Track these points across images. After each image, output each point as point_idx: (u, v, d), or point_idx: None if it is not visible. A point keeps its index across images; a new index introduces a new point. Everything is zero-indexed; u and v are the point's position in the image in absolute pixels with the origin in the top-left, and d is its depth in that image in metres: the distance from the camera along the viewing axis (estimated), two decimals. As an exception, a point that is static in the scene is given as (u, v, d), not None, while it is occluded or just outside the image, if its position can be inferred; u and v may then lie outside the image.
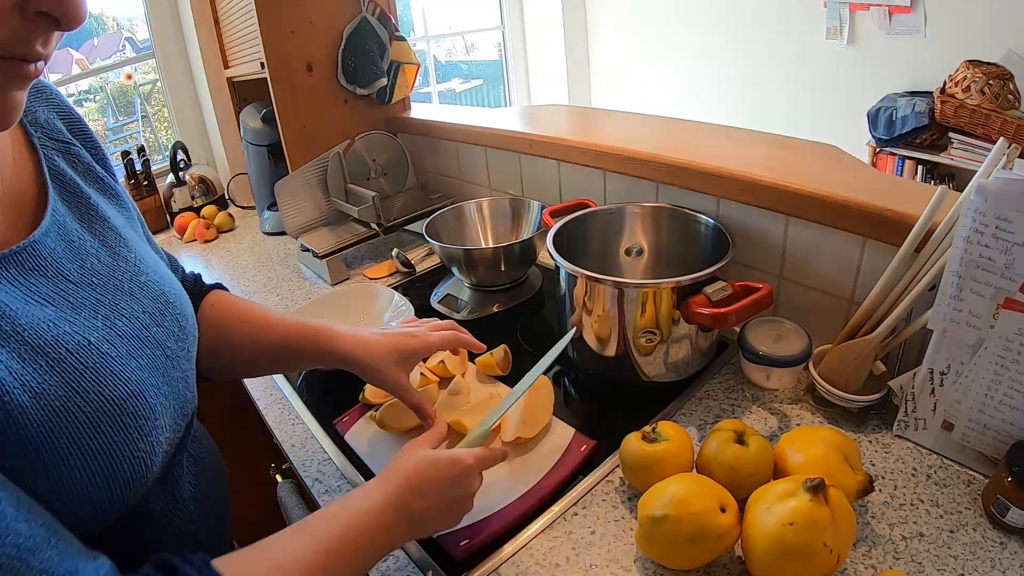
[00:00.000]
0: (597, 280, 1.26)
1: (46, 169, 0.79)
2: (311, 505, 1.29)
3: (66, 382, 0.65)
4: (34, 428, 0.60)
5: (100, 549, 0.63)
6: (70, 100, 0.93)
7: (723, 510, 0.92)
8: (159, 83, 3.27)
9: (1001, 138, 1.05)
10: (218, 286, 1.20)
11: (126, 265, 0.83)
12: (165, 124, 3.57)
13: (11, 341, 0.62)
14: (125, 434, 0.69)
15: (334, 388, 1.45)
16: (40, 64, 0.60)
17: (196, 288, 1.15)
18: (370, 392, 1.36)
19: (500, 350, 1.45)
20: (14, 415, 0.59)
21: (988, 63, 3.73)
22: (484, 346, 1.26)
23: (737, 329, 1.40)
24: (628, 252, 1.60)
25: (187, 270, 1.18)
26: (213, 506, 0.99)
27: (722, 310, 1.17)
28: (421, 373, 1.41)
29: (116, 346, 0.73)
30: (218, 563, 0.66)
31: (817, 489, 0.85)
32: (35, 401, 0.61)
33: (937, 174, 4.14)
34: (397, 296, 1.74)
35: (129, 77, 3.40)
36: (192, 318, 0.94)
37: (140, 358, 0.76)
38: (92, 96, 3.53)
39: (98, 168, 0.90)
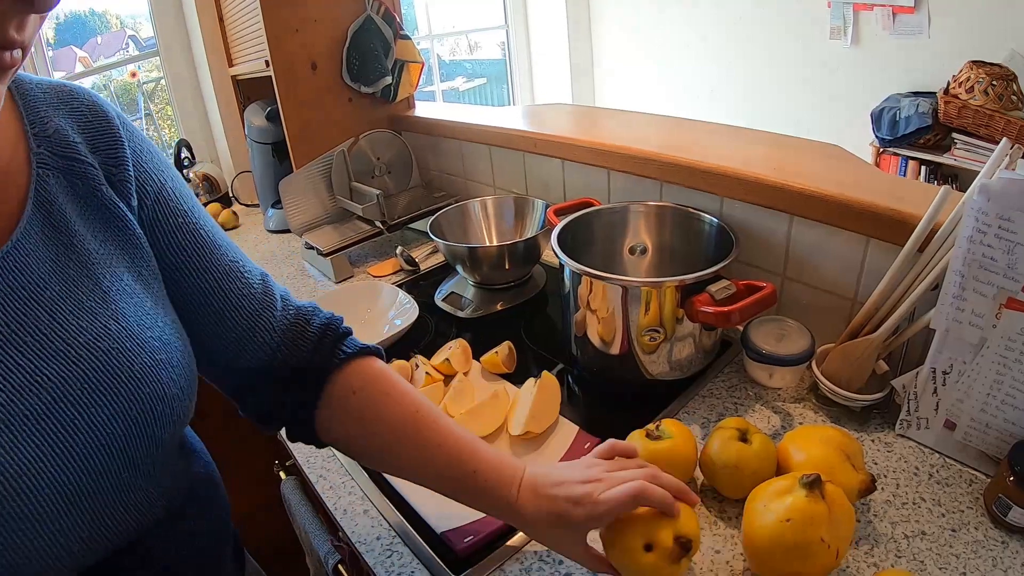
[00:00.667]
0: (601, 278, 1.26)
1: (32, 194, 0.68)
2: (316, 502, 1.30)
3: None
4: None
5: None
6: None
7: (648, 548, 0.85)
8: (163, 81, 3.28)
9: (1004, 138, 1.05)
10: (369, 350, 0.99)
11: (88, 323, 0.68)
12: (169, 122, 3.57)
13: None
14: None
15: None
16: (17, 53, 0.55)
17: (331, 340, 0.97)
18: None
19: (504, 347, 1.46)
20: None
21: (992, 64, 3.73)
22: (695, 498, 0.91)
23: (740, 328, 1.41)
24: (632, 251, 1.61)
25: (330, 316, 1.01)
26: (209, 534, 0.93)
27: (726, 309, 1.17)
28: (427, 372, 1.41)
29: (8, 429, 0.59)
30: None
31: (813, 485, 0.85)
32: None
33: (940, 175, 4.13)
34: (402, 294, 1.74)
35: (133, 75, 3.41)
36: (187, 380, 0.78)
37: (43, 444, 0.61)
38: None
39: (106, 193, 0.76)
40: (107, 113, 0.79)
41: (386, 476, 1.19)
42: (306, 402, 0.93)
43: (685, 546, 0.84)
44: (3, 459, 0.57)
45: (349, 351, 0.96)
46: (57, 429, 0.61)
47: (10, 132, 0.68)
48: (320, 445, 0.97)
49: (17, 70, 0.58)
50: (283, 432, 0.99)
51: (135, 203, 0.79)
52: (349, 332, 0.99)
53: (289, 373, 0.93)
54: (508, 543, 1.04)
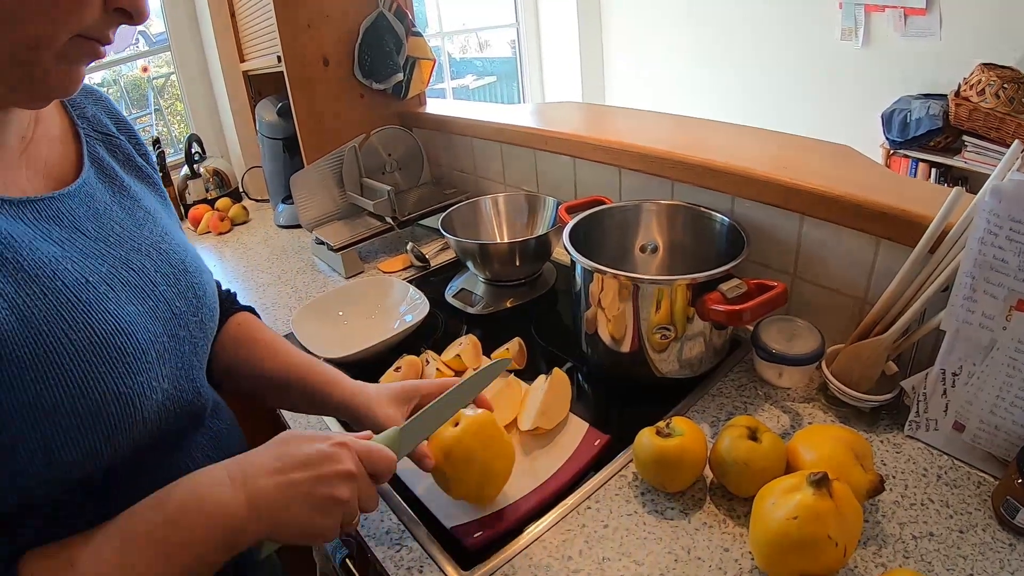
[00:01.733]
0: (613, 276, 1.26)
1: (86, 153, 0.89)
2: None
3: (56, 309, 0.69)
4: (19, 348, 0.64)
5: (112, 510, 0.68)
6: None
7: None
8: (173, 76, 3.28)
9: (1016, 141, 1.05)
10: (249, 309, 1.24)
11: (149, 234, 0.90)
12: (178, 118, 3.58)
13: (8, 266, 0.67)
14: (109, 368, 0.71)
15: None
16: (107, 48, 0.72)
17: (227, 303, 1.20)
18: (385, 383, 1.36)
19: (515, 343, 1.46)
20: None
21: (1003, 66, 3.72)
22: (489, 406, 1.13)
23: (750, 327, 1.41)
24: (643, 249, 1.61)
25: (222, 286, 1.22)
26: None
27: (737, 307, 1.18)
28: (437, 368, 1.42)
29: (115, 290, 0.78)
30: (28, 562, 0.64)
31: (820, 483, 0.86)
32: (21, 322, 0.65)
33: (951, 177, 4.12)
34: (412, 290, 1.74)
35: (145, 70, 3.41)
36: (213, 297, 1.00)
37: (139, 306, 0.80)
38: (106, 89, 3.53)
39: (138, 159, 0.99)
40: (118, 110, 1.02)
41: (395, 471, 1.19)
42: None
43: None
44: (119, 309, 0.76)
45: (236, 307, 1.22)
46: (145, 297, 0.82)
47: (58, 112, 0.90)
48: (219, 388, 1.13)
49: None
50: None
51: (156, 172, 1.04)
52: (236, 297, 1.26)
53: None
54: (517, 539, 1.05)
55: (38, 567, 0.64)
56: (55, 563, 0.66)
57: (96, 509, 0.71)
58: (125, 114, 1.03)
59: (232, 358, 1.13)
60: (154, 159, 1.05)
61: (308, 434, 0.85)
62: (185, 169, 2.89)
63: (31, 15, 0.64)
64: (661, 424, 1.10)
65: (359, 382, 1.13)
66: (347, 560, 1.21)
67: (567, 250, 1.36)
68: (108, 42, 0.72)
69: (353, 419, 1.09)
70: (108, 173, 0.91)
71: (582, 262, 1.31)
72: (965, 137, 3.91)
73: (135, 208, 0.91)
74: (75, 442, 0.69)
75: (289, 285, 2.10)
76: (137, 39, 3.45)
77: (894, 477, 1.10)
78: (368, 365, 1.49)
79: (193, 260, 0.97)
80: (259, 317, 1.24)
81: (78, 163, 0.87)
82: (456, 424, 1.04)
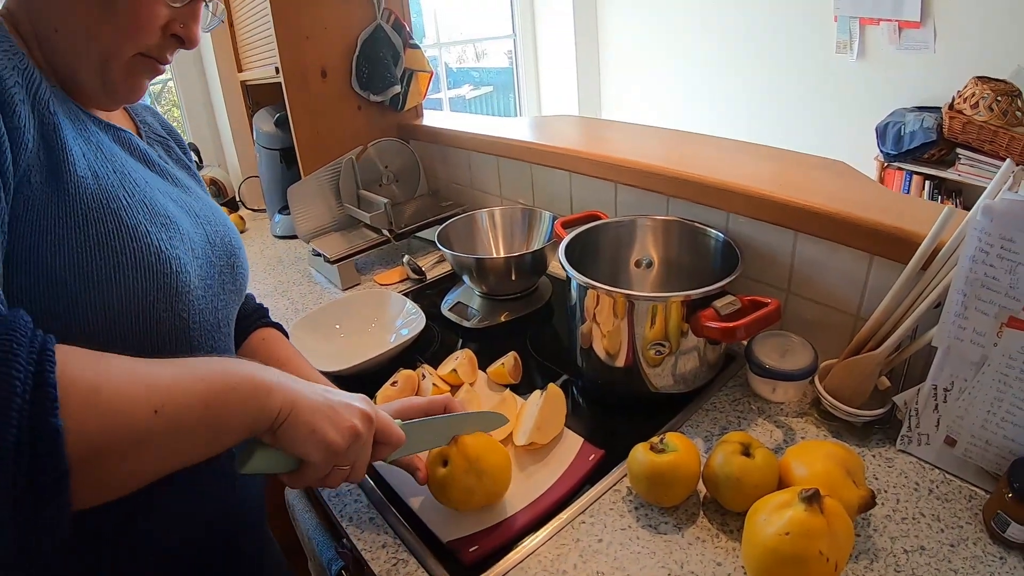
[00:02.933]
0: (608, 292, 1.27)
1: (146, 141, 1.05)
2: (320, 508, 1.31)
3: (119, 181, 0.85)
4: (91, 193, 0.80)
5: None
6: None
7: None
8: (170, 83, 3.29)
9: (1008, 159, 1.06)
10: (277, 325, 1.31)
11: (198, 197, 1.06)
12: (177, 125, 3.58)
13: (92, 146, 0.85)
14: (155, 230, 0.86)
15: (351, 387, 1.46)
16: (164, 67, 0.92)
17: (256, 316, 1.29)
18: (381, 397, 1.37)
19: (510, 358, 1.47)
20: (78, 178, 0.79)
21: (997, 80, 3.73)
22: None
23: (745, 342, 1.42)
24: (638, 264, 1.62)
25: (255, 299, 1.34)
26: None
27: (731, 324, 1.18)
28: (433, 383, 1.42)
29: (165, 197, 0.94)
30: (66, 358, 0.63)
31: (812, 499, 0.87)
32: (95, 178, 0.82)
33: (944, 190, 4.14)
34: (409, 303, 1.75)
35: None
36: (245, 263, 1.13)
37: (181, 214, 0.96)
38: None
39: (185, 159, 1.15)
40: (167, 121, 1.19)
41: (390, 484, 1.21)
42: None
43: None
44: (166, 205, 0.92)
45: (266, 322, 1.30)
46: (188, 214, 0.98)
47: (124, 114, 1.06)
48: None
49: None
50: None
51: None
52: (267, 312, 1.33)
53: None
54: (512, 553, 1.05)
55: (72, 353, 0.64)
56: (95, 357, 0.67)
57: None
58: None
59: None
60: (195, 168, 1.19)
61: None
62: (183, 178, 2.88)
63: (105, 33, 0.82)
64: (655, 439, 1.10)
65: None
66: (342, 572, 1.22)
67: (563, 266, 1.37)
68: (166, 62, 0.91)
69: None
70: (163, 157, 1.06)
71: (577, 278, 1.32)
72: (959, 150, 3.93)
73: (187, 191, 1.05)
74: (126, 289, 0.81)
75: (285, 296, 2.10)
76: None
77: (886, 491, 1.11)
78: (365, 379, 1.49)
79: (234, 232, 1.11)
80: (287, 335, 1.32)
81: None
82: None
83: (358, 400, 0.92)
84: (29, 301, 0.74)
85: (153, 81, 0.97)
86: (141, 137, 1.04)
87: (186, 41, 0.90)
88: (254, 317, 1.27)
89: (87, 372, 0.63)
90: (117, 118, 1.01)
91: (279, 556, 1.32)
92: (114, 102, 0.93)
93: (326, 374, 1.47)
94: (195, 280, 0.91)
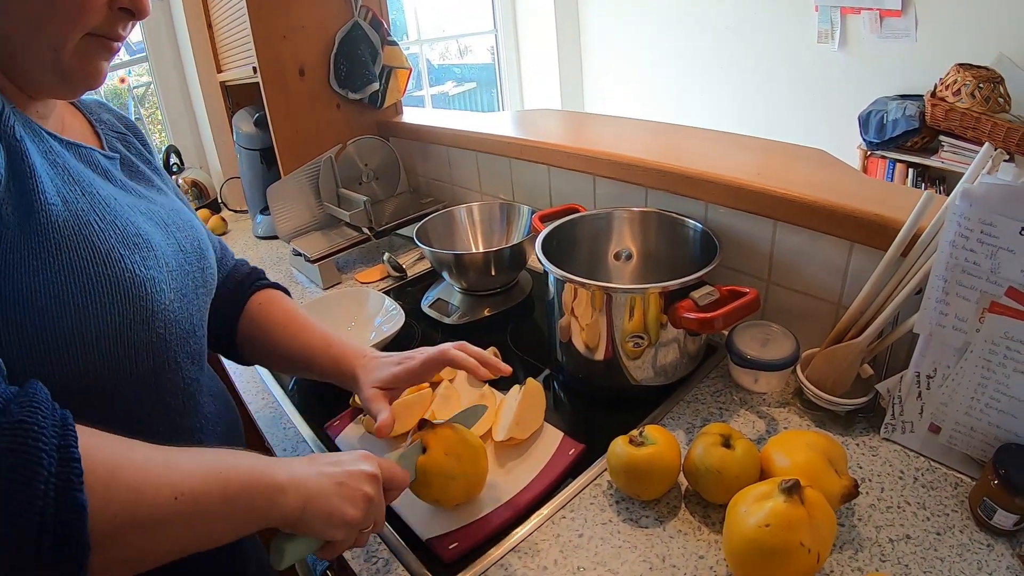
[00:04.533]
0: (585, 285, 1.26)
1: (106, 146, 1.02)
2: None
3: (90, 205, 0.83)
4: (61, 222, 0.77)
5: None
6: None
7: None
8: (152, 86, 3.27)
9: (987, 143, 1.05)
10: (275, 285, 1.34)
11: (164, 201, 1.04)
12: (159, 127, 3.56)
13: (59, 168, 0.82)
14: (128, 254, 0.84)
15: (325, 392, 1.44)
16: (119, 44, 0.86)
17: (250, 279, 1.31)
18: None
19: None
20: (48, 205, 0.76)
21: (979, 66, 3.73)
22: (508, 368, 1.20)
23: (725, 333, 1.41)
24: (617, 256, 1.61)
25: (248, 264, 1.36)
26: (229, 427, 1.12)
27: (709, 315, 1.17)
28: None
29: (135, 213, 0.91)
30: (86, 437, 0.64)
31: (792, 490, 0.86)
32: (64, 205, 0.78)
33: (928, 177, 4.14)
34: (388, 301, 1.74)
35: (123, 80, 3.39)
36: (213, 262, 1.11)
37: (153, 231, 0.93)
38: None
39: (146, 154, 1.12)
40: (126, 115, 1.15)
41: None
42: (229, 321, 1.25)
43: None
44: (138, 223, 0.89)
45: (263, 284, 1.31)
46: (160, 227, 0.96)
47: (80, 116, 1.03)
48: (240, 360, 1.30)
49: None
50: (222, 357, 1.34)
51: (162, 168, 1.16)
52: (265, 277, 1.34)
53: (220, 301, 1.20)
54: (492, 550, 1.04)
55: (91, 432, 0.65)
56: (113, 438, 0.68)
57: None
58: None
59: (251, 334, 1.25)
60: (159, 159, 1.19)
61: (333, 453, 0.96)
62: (163, 180, 2.87)
63: (47, 20, 0.78)
64: (635, 433, 1.09)
65: (360, 361, 1.20)
66: (327, 572, 1.21)
67: (539, 260, 1.36)
68: (119, 38, 0.85)
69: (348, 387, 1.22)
70: (125, 161, 1.03)
71: (554, 272, 1.31)
72: (942, 137, 3.93)
73: (151, 189, 1.04)
74: (103, 314, 0.79)
75: (266, 297, 2.08)
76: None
77: (870, 480, 1.10)
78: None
79: (200, 231, 1.09)
80: (287, 292, 1.35)
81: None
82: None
83: (361, 462, 0.91)
84: (3, 320, 0.73)
85: (136, 84, 0.98)
86: (102, 144, 1.02)
87: (135, 12, 0.84)
88: (248, 282, 1.29)
89: (106, 451, 0.65)
90: (75, 125, 1.00)
91: (262, 553, 1.30)
92: (72, 91, 0.88)
93: (306, 377, 1.47)
94: (170, 295, 0.91)
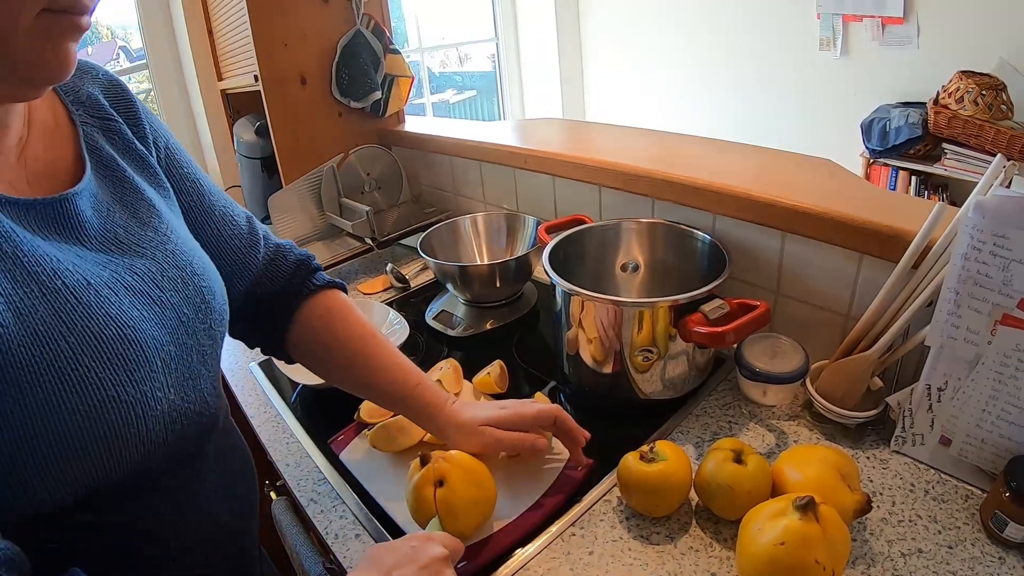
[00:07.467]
0: (593, 299, 1.25)
1: (84, 145, 0.84)
2: (306, 524, 1.28)
3: (54, 310, 0.67)
4: (15, 347, 0.62)
5: (113, 527, 0.67)
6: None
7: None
8: (152, 93, 3.27)
9: (999, 154, 1.05)
10: (333, 284, 1.21)
11: (154, 234, 0.86)
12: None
13: (7, 261, 0.65)
14: (111, 374, 0.69)
15: (328, 406, 1.44)
16: (86, 18, 0.67)
17: (301, 274, 1.18)
18: (365, 411, 1.34)
19: (496, 367, 1.45)
20: None
21: (981, 73, 3.74)
22: (587, 435, 1.17)
23: (734, 345, 1.40)
24: (624, 268, 1.60)
25: (304, 253, 1.21)
26: (239, 499, 1.02)
27: (719, 329, 1.17)
28: None
29: (118, 294, 0.75)
30: None
31: (807, 507, 0.85)
32: (18, 320, 0.63)
33: (931, 185, 4.14)
34: (392, 313, 1.73)
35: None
36: (222, 299, 0.94)
37: (144, 311, 0.77)
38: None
39: (138, 145, 0.93)
40: (120, 82, 0.96)
41: (377, 500, 1.19)
42: (279, 324, 1.15)
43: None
44: (121, 313, 0.73)
45: (317, 283, 1.18)
46: (150, 303, 0.78)
47: (50, 103, 0.84)
48: (290, 361, 1.19)
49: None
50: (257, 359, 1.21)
51: (153, 154, 0.96)
52: (319, 268, 1.21)
53: (267, 300, 1.14)
54: (501, 568, 1.03)
55: None
56: None
57: (107, 531, 0.70)
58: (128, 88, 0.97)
59: (312, 348, 1.16)
60: (152, 141, 0.98)
61: (392, 543, 0.87)
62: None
63: None
64: (645, 448, 1.08)
65: (456, 416, 1.14)
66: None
67: (547, 274, 1.35)
68: (84, 11, 0.66)
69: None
70: (109, 165, 0.87)
71: (562, 284, 1.30)
72: (945, 145, 3.93)
73: (139, 204, 0.87)
74: (78, 452, 0.66)
75: (269, 307, 2.07)
76: (118, 54, 3.42)
77: (881, 494, 1.09)
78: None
79: (201, 261, 0.92)
80: (344, 288, 1.23)
81: (78, 156, 0.84)
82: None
83: (429, 548, 0.86)
84: None
85: (136, 91, 0.88)
86: (74, 123, 0.85)
87: None
88: (300, 277, 1.17)
89: None
90: (41, 105, 0.82)
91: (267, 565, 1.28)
92: (30, 89, 0.70)
93: (310, 387, 1.46)
94: (169, 396, 0.78)
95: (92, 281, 0.72)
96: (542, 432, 1.15)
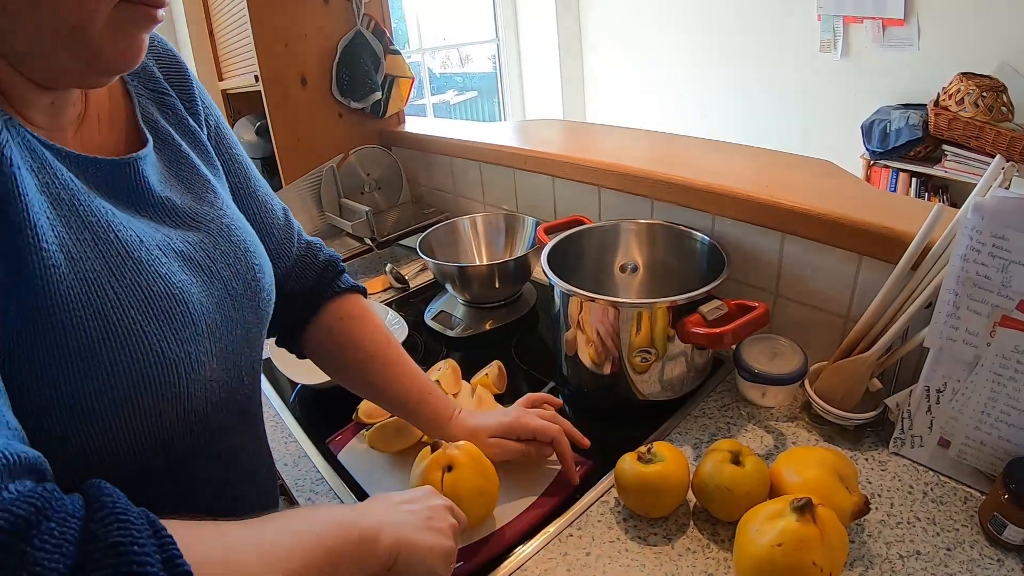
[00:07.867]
0: (592, 299, 1.25)
1: (140, 118, 0.84)
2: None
3: (105, 259, 0.67)
4: (64, 288, 0.62)
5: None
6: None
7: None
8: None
9: (998, 156, 1.05)
10: (354, 288, 1.20)
11: (210, 209, 0.87)
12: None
13: (64, 207, 0.65)
14: (156, 328, 0.69)
15: (327, 406, 1.44)
16: (162, 11, 0.68)
17: (327, 275, 1.17)
18: (363, 411, 1.34)
19: (495, 367, 1.45)
20: (48, 267, 0.61)
21: (981, 75, 3.74)
22: (586, 442, 1.21)
23: (733, 346, 1.40)
24: (623, 269, 1.60)
25: (332, 253, 1.21)
26: (262, 489, 1.03)
27: (718, 330, 1.17)
28: None
29: (168, 257, 0.75)
30: (182, 537, 0.55)
31: (804, 509, 0.85)
32: (70, 263, 0.63)
33: (931, 186, 4.14)
34: (392, 313, 1.72)
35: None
36: (271, 280, 0.95)
37: (192, 277, 0.78)
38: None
39: (190, 122, 0.93)
40: (174, 53, 0.95)
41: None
42: (300, 320, 1.13)
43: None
44: (171, 274, 0.73)
45: (343, 286, 1.17)
46: (199, 271, 0.79)
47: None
48: (301, 356, 1.19)
49: None
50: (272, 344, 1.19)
51: (205, 132, 0.96)
52: (344, 270, 1.21)
53: (293, 295, 1.12)
54: (498, 568, 1.03)
55: (183, 528, 0.56)
56: (203, 530, 0.61)
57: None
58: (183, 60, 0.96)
59: (328, 350, 1.16)
60: (204, 118, 0.97)
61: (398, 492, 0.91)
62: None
63: None
64: (643, 449, 1.08)
65: (466, 423, 1.17)
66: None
67: (545, 273, 1.35)
68: (160, 3, 0.67)
69: None
70: (165, 139, 0.87)
71: (560, 285, 1.30)
72: (945, 146, 3.93)
73: (194, 180, 0.88)
74: (115, 409, 0.66)
75: (268, 308, 2.07)
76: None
77: (880, 495, 1.09)
78: (346, 391, 1.46)
79: (253, 240, 0.92)
80: (364, 292, 1.23)
81: (134, 128, 0.84)
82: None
83: (434, 497, 0.91)
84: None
85: None
86: (129, 95, 0.85)
87: None
88: (326, 278, 1.16)
89: (214, 551, 0.59)
90: (101, 91, 0.82)
91: None
92: (102, 76, 0.71)
93: (308, 387, 1.46)
94: (212, 364, 0.78)
95: (144, 240, 0.73)
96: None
